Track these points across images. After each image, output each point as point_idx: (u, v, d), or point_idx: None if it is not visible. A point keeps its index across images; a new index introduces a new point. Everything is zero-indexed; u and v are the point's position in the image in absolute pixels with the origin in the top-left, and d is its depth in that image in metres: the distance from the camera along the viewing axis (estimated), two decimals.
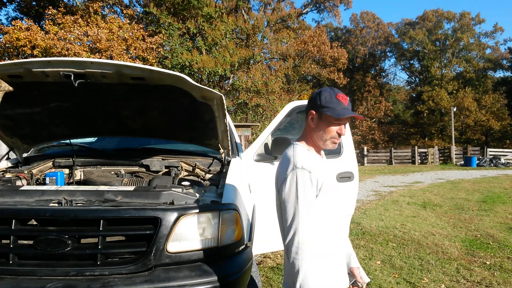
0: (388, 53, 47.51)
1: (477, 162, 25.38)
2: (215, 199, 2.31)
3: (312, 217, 1.60)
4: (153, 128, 3.05)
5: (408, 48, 44.54)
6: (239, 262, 2.18)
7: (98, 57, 17.16)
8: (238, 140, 4.54)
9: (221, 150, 2.97)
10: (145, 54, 18.89)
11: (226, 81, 25.97)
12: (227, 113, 4.56)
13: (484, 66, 44.56)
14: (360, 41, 44.57)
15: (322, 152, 1.87)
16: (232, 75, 24.78)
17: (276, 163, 3.59)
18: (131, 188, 2.34)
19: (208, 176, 3.00)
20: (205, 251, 2.09)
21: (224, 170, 2.78)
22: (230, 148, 3.00)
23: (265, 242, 3.54)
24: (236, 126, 18.98)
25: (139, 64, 2.23)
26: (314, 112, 1.73)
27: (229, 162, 3.00)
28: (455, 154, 28.75)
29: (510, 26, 61.65)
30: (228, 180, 2.52)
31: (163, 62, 20.95)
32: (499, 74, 46.18)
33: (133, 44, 18.45)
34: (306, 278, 1.52)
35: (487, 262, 4.79)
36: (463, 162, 26.83)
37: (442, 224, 6.95)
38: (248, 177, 3.25)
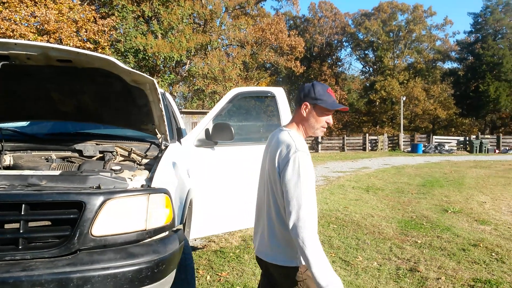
0: (344, 43, 48.69)
1: (423, 149, 26.78)
2: (145, 183, 2.34)
3: (313, 195, 1.76)
4: (86, 112, 3.00)
5: (364, 38, 45.80)
6: (168, 244, 2.22)
7: (46, 39, 16.35)
8: (183, 126, 4.56)
9: (158, 135, 2.99)
10: (97, 37, 18.20)
11: (183, 67, 25.54)
12: (171, 99, 4.56)
13: (434, 57, 46.75)
14: (318, 31, 45.23)
15: None
16: (188, 60, 24.39)
17: (217, 148, 3.68)
18: (57, 172, 2.31)
19: (145, 161, 3.00)
20: (132, 234, 2.12)
21: (160, 155, 2.80)
22: (168, 133, 3.02)
23: (208, 225, 3.62)
24: (192, 113, 18.78)
25: (66, 47, 2.18)
26: (308, 104, 1.89)
27: (167, 147, 3.02)
28: (403, 142, 30.14)
29: (459, 20, 64.80)
30: (161, 164, 2.55)
31: (116, 46, 20.26)
32: (448, 65, 48.76)
33: (84, 26, 17.70)
34: (315, 249, 1.65)
35: (418, 241, 5.15)
36: (410, 149, 28.23)
37: (382, 207, 7.36)
38: (187, 162, 3.29)
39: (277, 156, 1.84)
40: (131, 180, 2.38)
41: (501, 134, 30.73)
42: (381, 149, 29.66)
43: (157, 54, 20.37)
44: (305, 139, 1.94)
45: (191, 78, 24.68)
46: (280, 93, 3.94)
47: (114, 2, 19.75)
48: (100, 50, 18.84)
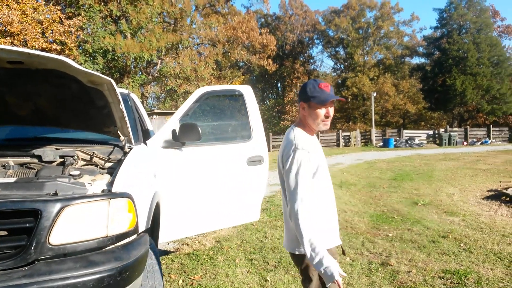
0: (315, 41, 49.12)
1: (394, 143, 27.39)
2: (106, 188, 2.25)
3: (310, 188, 1.92)
4: (44, 116, 2.88)
5: (334, 35, 46.36)
6: (132, 251, 2.15)
7: (10, 41, 15.80)
8: (150, 127, 4.46)
9: (122, 138, 2.90)
10: (63, 38, 17.71)
11: (154, 67, 25.14)
12: (137, 100, 4.44)
13: (402, 53, 47.80)
14: (289, 28, 45.49)
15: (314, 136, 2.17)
16: (160, 60, 24.03)
17: (185, 149, 3.60)
18: (12, 180, 2.20)
19: (108, 164, 2.90)
20: (93, 241, 2.04)
21: (123, 158, 2.71)
22: (132, 135, 2.93)
23: (178, 228, 3.55)
24: (165, 114, 18.50)
25: (16, 47, 2.07)
26: (303, 103, 2.06)
27: (131, 149, 2.93)
28: (375, 137, 30.73)
29: (425, 16, 66.67)
30: (123, 168, 2.47)
31: (83, 46, 19.74)
32: (416, 60, 49.98)
33: (49, 27, 17.17)
34: (309, 238, 1.81)
35: (390, 235, 5.24)
36: (382, 143, 28.82)
37: (355, 202, 7.46)
38: (154, 164, 3.21)
39: (282, 153, 2.07)
40: (91, 185, 2.29)
41: (468, 127, 31.78)
42: (354, 144, 30.15)
43: (126, 54, 19.96)
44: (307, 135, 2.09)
45: (163, 78, 24.33)
46: (247, 92, 3.90)
47: (81, 1, 19.20)
48: (67, 52, 18.34)
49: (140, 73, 23.47)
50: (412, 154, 20.00)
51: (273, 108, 47.41)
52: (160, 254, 4.04)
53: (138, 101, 4.40)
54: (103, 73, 21.72)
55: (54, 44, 17.71)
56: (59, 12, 17.89)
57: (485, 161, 14.54)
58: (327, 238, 2.06)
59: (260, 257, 4.40)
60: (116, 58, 20.35)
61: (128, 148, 2.96)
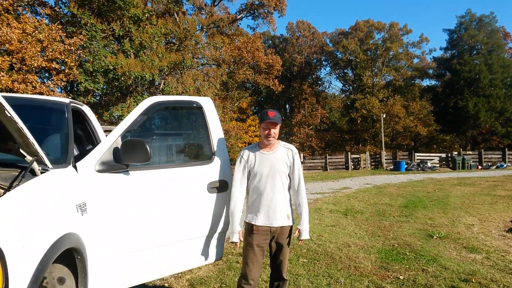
0: (323, 62, 48.67)
1: (405, 166, 26.29)
2: None
3: (237, 181, 3.01)
4: None
5: (342, 57, 45.89)
6: None
7: (9, 59, 15.54)
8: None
9: (28, 158, 2.12)
10: (63, 57, 17.42)
11: (157, 87, 24.70)
12: (90, 114, 3.69)
13: (412, 74, 47.06)
14: (297, 50, 45.14)
15: (273, 147, 3.00)
16: (163, 80, 23.60)
17: (132, 173, 2.80)
18: None
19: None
20: None
21: (13, 187, 1.92)
22: (42, 154, 2.15)
23: (115, 277, 2.69)
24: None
25: None
26: (259, 124, 2.98)
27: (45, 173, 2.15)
28: (386, 159, 29.67)
29: (435, 37, 66.25)
30: (6, 203, 1.68)
31: (84, 65, 19.40)
32: (426, 82, 49.12)
33: (49, 45, 16.92)
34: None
35: (401, 277, 4.33)
36: (392, 167, 27.73)
37: (361, 233, 6.52)
38: (80, 194, 2.41)
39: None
40: None
41: (482, 150, 30.64)
42: (363, 167, 29.10)
43: (127, 74, 19.52)
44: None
45: None
46: (207, 104, 3.15)
47: (82, 20, 18.96)
48: (67, 71, 17.98)
49: (145, 93, 22.99)
50: (425, 178, 18.94)
51: (281, 130, 46.67)
52: None
53: (91, 115, 3.63)
54: (104, 93, 21.19)
55: (54, 63, 17.42)
56: (60, 30, 17.67)
57: (503, 187, 13.49)
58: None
59: None
60: (117, 77, 19.94)
61: (41, 172, 2.19)
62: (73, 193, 2.34)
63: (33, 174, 2.20)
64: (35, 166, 2.16)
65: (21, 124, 1.90)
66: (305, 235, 3.01)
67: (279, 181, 2.92)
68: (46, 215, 1.93)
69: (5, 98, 3.20)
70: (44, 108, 3.00)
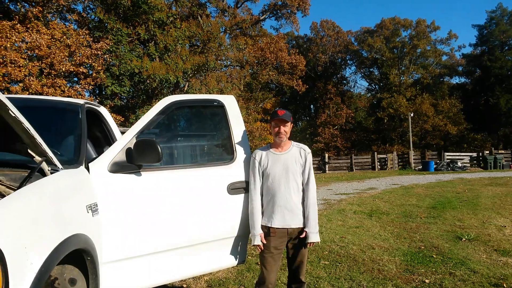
0: (348, 61, 47.94)
1: (434, 166, 25.52)
2: None
3: (252, 184, 2.99)
4: None
5: (367, 56, 45.08)
6: None
7: (38, 64, 16.06)
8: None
9: (37, 158, 2.11)
10: (90, 61, 17.86)
11: (182, 89, 25.00)
12: (106, 115, 3.71)
13: (440, 72, 45.68)
14: (321, 49, 44.65)
15: (285, 147, 2.99)
16: (187, 82, 23.86)
17: (144, 173, 2.77)
18: None
19: None
20: None
21: (21, 186, 1.92)
22: (52, 154, 2.15)
23: (128, 280, 2.67)
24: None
25: None
26: (269, 122, 3.13)
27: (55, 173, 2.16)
28: (414, 159, 28.90)
29: (464, 33, 63.93)
30: (8, 203, 1.66)
31: (111, 69, 19.84)
32: (455, 80, 47.60)
33: (77, 50, 17.39)
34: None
35: (426, 281, 4.14)
36: (421, 166, 26.96)
37: (385, 235, 6.32)
38: (91, 195, 2.40)
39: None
40: None
41: None
42: (391, 167, 28.44)
43: (152, 77, 19.85)
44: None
45: None
46: (230, 102, 3.08)
47: (109, 25, 19.41)
48: (94, 74, 18.43)
49: (167, 95, 23.32)
50: (454, 178, 18.31)
51: (306, 130, 46.32)
52: None
53: (108, 117, 3.64)
54: (130, 96, 21.59)
55: (81, 67, 17.87)
56: (87, 35, 18.12)
57: None
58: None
59: None
60: (142, 80, 20.31)
61: (50, 172, 2.18)
62: (83, 194, 2.33)
63: (43, 174, 2.20)
64: (44, 166, 2.16)
65: (27, 124, 1.89)
66: (314, 238, 2.87)
67: (293, 181, 2.88)
68: (51, 216, 1.92)
69: (22, 99, 3.26)
70: (59, 109, 3.02)
